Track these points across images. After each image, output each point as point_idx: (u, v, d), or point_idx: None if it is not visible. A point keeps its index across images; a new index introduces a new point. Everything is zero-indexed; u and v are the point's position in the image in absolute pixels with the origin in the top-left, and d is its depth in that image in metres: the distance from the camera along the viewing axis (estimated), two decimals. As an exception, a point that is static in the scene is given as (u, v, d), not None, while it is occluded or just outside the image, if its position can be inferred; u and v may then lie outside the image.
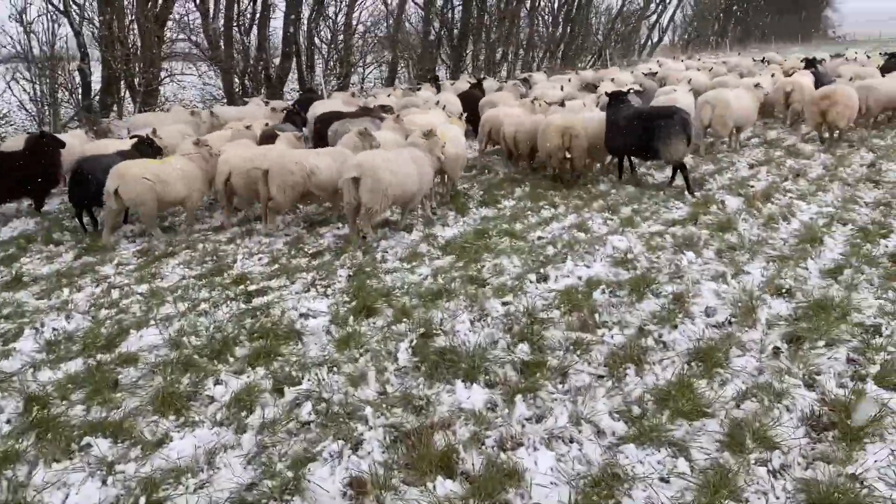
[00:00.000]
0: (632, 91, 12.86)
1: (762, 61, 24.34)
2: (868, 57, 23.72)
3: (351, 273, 7.06)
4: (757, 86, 12.67)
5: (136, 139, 10.51)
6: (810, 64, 17.98)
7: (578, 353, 5.04)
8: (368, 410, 4.37)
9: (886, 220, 7.68)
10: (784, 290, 5.92)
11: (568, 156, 10.09)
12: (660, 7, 51.51)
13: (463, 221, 8.88)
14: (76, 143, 11.34)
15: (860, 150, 11.66)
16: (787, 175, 10.19)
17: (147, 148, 10.09)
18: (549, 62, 37.17)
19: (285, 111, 13.96)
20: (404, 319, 5.77)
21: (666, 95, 13.34)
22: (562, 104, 12.89)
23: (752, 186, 9.68)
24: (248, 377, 4.99)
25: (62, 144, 10.48)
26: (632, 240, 7.64)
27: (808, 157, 11.41)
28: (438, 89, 19.07)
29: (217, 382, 4.90)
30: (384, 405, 4.48)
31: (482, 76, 23.66)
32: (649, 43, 52.32)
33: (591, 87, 15.74)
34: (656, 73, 20.49)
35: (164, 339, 5.63)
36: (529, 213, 9.06)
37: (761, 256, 6.83)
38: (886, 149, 11.65)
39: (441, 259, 7.42)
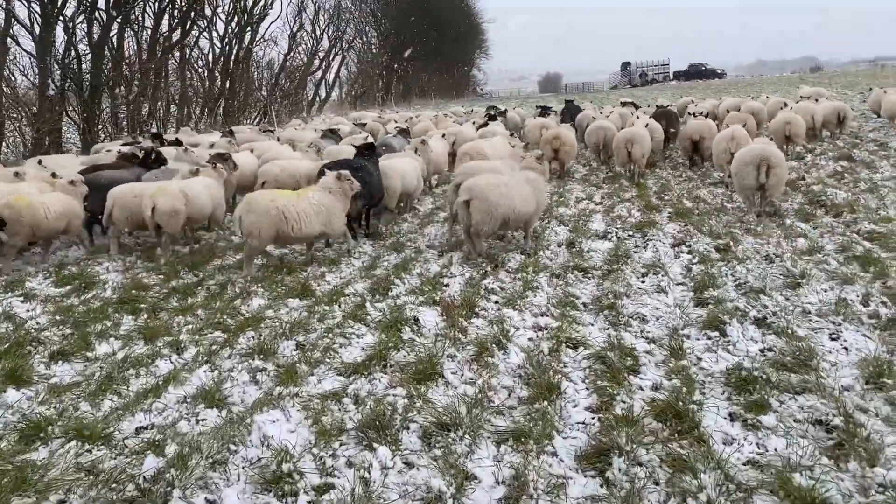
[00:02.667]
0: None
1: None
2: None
3: None
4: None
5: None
6: (492, 118, 20.63)
7: None
8: None
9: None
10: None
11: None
12: (323, 63, 50.94)
13: None
14: None
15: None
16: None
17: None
18: (207, 118, 33.46)
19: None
20: None
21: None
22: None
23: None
24: None
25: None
26: None
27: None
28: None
29: None
30: None
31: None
32: (318, 99, 51.28)
33: (332, 133, 16.77)
34: (366, 123, 22.23)
35: None
36: None
37: None
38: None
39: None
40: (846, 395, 4.65)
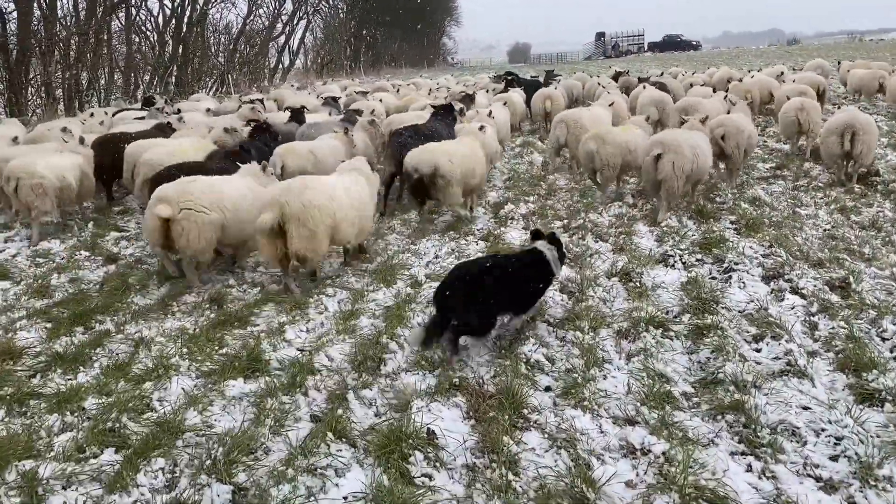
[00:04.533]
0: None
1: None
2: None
3: None
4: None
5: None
6: (509, 84, 19.21)
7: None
8: None
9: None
10: None
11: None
12: (287, 28, 47.46)
13: None
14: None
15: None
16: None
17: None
18: (157, 87, 30.20)
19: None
20: None
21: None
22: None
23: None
24: None
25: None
26: None
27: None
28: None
29: None
30: None
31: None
32: (280, 67, 47.88)
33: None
34: (367, 91, 20.68)
35: None
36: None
37: None
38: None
39: None
40: None
